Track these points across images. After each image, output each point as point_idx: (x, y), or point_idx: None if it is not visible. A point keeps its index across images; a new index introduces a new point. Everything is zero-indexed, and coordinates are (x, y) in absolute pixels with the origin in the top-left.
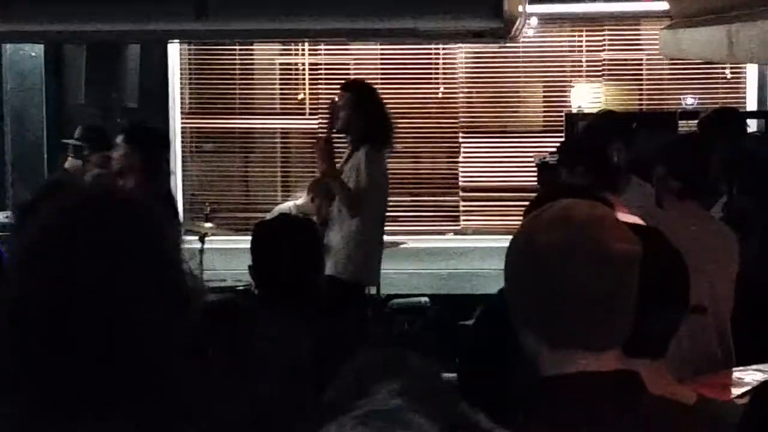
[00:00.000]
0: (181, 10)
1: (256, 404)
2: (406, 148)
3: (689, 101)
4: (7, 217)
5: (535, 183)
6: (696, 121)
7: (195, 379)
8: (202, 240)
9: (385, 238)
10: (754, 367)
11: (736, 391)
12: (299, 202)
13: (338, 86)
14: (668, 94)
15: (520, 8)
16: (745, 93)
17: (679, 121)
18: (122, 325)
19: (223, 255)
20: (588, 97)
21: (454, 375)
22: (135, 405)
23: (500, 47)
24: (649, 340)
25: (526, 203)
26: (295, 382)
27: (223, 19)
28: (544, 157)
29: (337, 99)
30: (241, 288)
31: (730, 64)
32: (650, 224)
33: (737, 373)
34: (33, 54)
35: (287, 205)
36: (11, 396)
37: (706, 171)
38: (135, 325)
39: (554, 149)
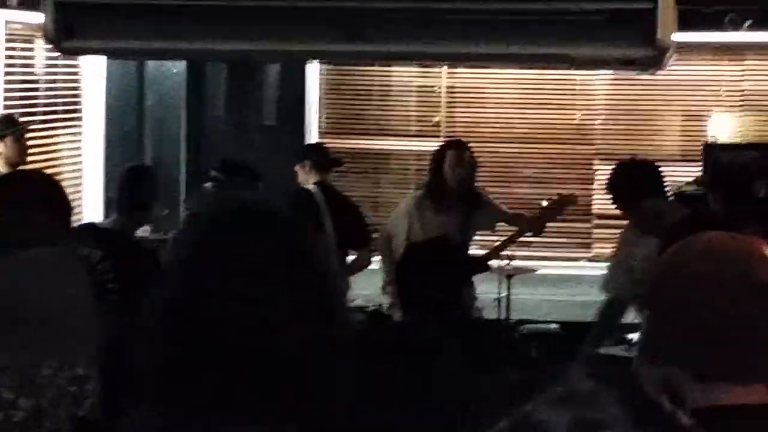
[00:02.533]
0: (333, 31)
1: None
2: (538, 173)
3: None
4: (145, 231)
5: None
6: None
7: (356, 398)
8: None
9: (517, 263)
10: None
11: None
12: None
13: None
14: None
15: (673, 37)
16: None
17: None
18: (271, 335)
19: (357, 275)
20: (726, 127)
21: None
22: (275, 413)
23: (637, 74)
24: None
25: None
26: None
27: (375, 41)
28: (681, 187)
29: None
30: (371, 309)
31: None
32: None
33: None
34: (174, 71)
35: None
36: (156, 398)
37: None
38: (282, 335)
39: (692, 179)
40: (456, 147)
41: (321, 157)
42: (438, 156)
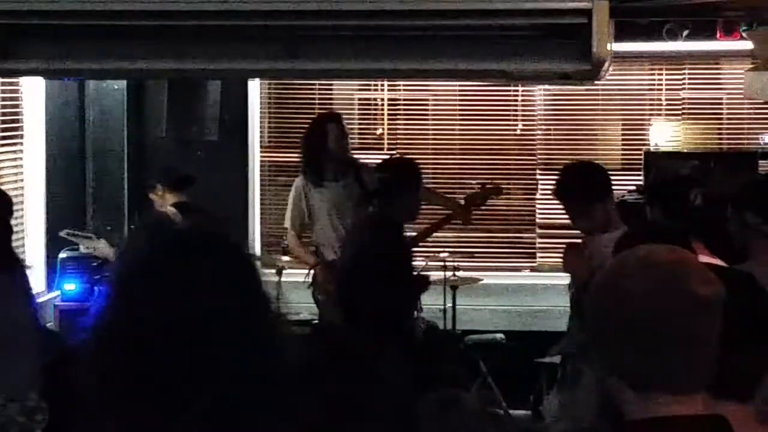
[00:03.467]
0: (273, 49)
1: None
2: (481, 184)
3: (767, 140)
4: (88, 248)
5: None
6: None
7: (295, 411)
8: (279, 273)
9: (462, 274)
10: None
11: None
12: None
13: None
14: (748, 134)
15: (609, 48)
16: None
17: (760, 161)
18: (205, 357)
19: (300, 288)
20: (667, 135)
21: (528, 412)
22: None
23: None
24: (737, 383)
25: None
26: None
27: (313, 59)
28: (623, 196)
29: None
30: (316, 322)
31: None
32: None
33: None
34: (116, 87)
35: None
36: (98, 419)
37: None
38: (217, 358)
39: (633, 188)
40: (337, 119)
41: (171, 178)
42: (318, 132)
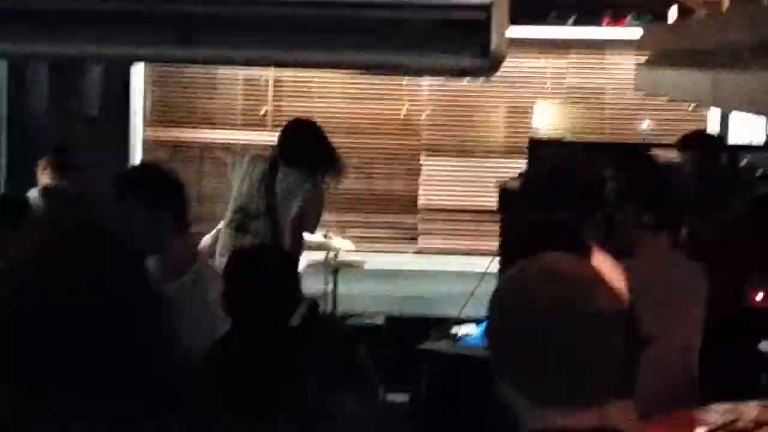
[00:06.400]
0: (163, 35)
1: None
2: (364, 165)
3: (645, 125)
4: None
5: (496, 205)
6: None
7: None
8: None
9: (343, 257)
10: (714, 406)
11: (699, 431)
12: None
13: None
14: (630, 122)
15: (506, 44)
16: (705, 123)
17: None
18: (86, 354)
19: None
20: (550, 121)
21: (406, 398)
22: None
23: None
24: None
25: (486, 225)
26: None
27: (204, 46)
28: (506, 182)
29: None
30: None
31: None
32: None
33: (700, 413)
34: None
35: None
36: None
37: (683, 201)
38: (100, 354)
39: (517, 174)
40: None
41: (53, 157)
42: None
